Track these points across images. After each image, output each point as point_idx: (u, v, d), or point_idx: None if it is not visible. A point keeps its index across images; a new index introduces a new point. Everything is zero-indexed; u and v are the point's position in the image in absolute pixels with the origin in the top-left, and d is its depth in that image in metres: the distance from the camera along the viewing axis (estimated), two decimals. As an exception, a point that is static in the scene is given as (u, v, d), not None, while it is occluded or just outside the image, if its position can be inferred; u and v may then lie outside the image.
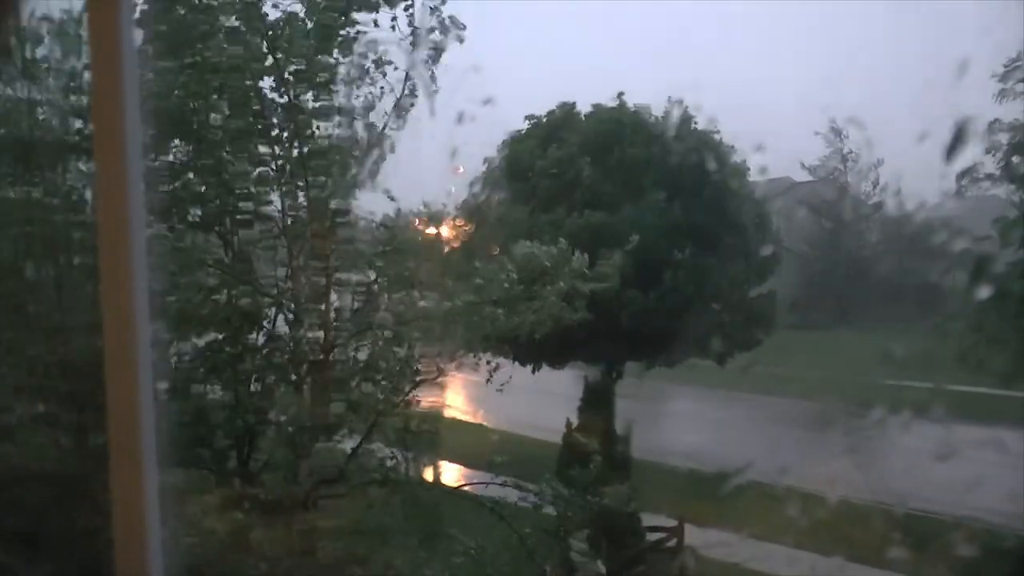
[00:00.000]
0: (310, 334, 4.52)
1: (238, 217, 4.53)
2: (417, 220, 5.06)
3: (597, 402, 7.96)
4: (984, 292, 3.56)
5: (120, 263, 1.50)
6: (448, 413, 6.62)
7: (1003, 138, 5.14)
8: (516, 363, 8.58)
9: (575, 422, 7.36)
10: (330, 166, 4.48)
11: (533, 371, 8.52)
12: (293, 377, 4.59)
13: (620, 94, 8.49)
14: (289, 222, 4.56)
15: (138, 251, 1.52)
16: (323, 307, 4.57)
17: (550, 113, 9.01)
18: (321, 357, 4.52)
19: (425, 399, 4.85)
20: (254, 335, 4.59)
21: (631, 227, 6.99)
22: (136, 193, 1.53)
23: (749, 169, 8.01)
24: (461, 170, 5.03)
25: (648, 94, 8.27)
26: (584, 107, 9.00)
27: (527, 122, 9.03)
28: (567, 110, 8.95)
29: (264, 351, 4.59)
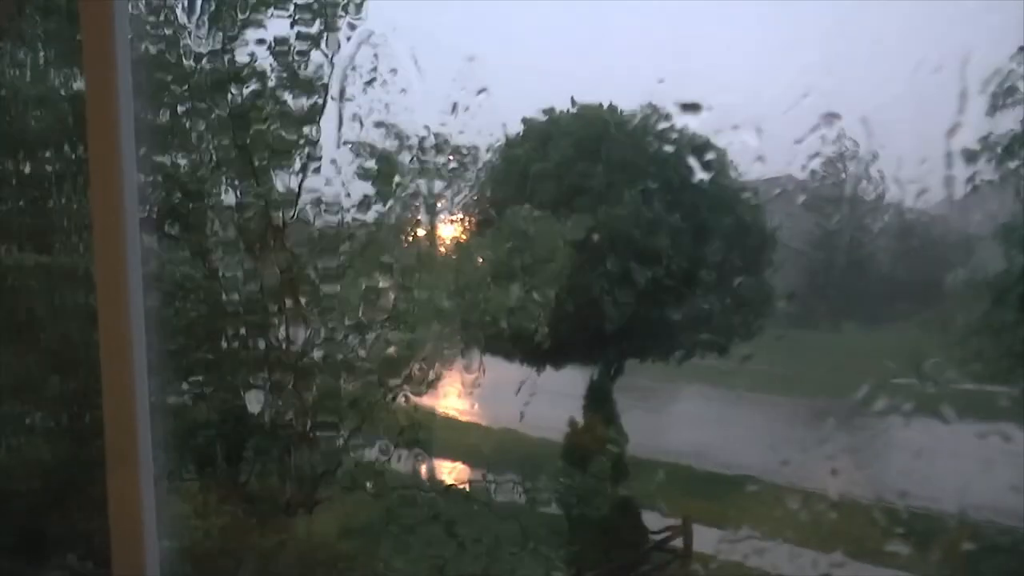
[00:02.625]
0: (283, 334, 4.36)
1: (190, 210, 4.34)
2: (416, 217, 4.90)
3: (597, 400, 7.99)
4: (982, 290, 3.55)
5: (115, 265, 1.51)
6: (445, 412, 6.60)
7: (1000, 142, 5.11)
8: (517, 363, 8.60)
9: (577, 421, 7.38)
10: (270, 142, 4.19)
11: (538, 371, 8.52)
12: (270, 378, 4.45)
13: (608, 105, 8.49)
14: (239, 216, 4.33)
15: (133, 253, 1.52)
16: (295, 305, 4.39)
17: (544, 114, 9.02)
18: (299, 357, 4.39)
19: (418, 397, 4.79)
20: (226, 339, 4.42)
21: (623, 225, 6.99)
22: (131, 192, 1.53)
23: (733, 171, 8.02)
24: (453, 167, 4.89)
25: (640, 90, 8.25)
26: (578, 104, 8.99)
27: (523, 124, 9.02)
28: (559, 112, 8.96)
29: (237, 354, 4.44)
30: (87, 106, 1.53)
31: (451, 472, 6.38)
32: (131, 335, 1.52)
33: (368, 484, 4.67)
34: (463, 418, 9.07)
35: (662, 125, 8.12)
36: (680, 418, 10.31)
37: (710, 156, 8.14)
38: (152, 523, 1.61)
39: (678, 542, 7.42)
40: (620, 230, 7.38)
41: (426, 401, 4.94)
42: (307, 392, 4.41)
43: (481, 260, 4.51)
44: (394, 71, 4.07)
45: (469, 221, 5.15)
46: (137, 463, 1.58)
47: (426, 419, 4.92)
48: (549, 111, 8.92)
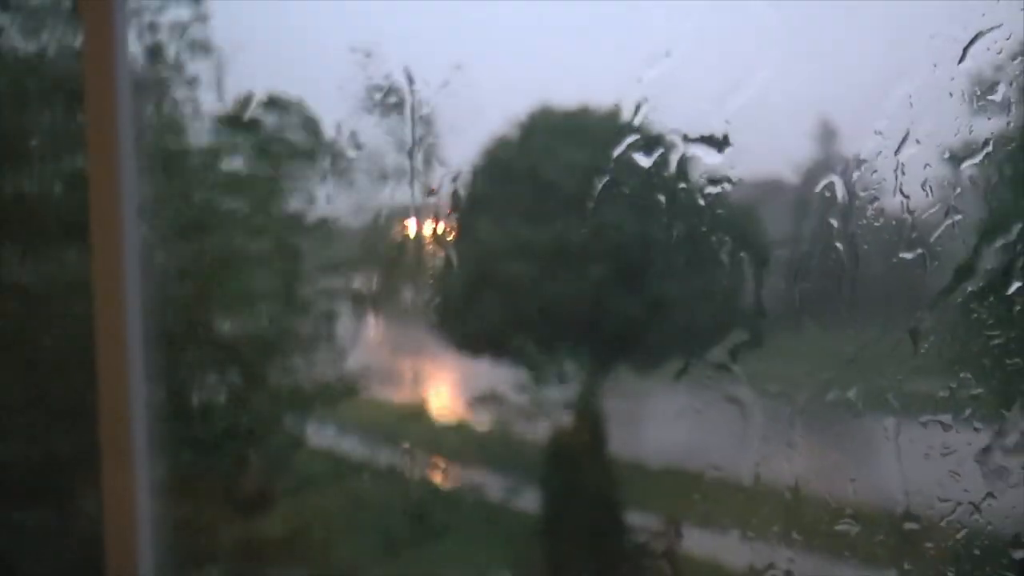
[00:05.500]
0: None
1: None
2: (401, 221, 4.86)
3: (582, 402, 8.05)
4: (952, 290, 3.64)
5: (112, 257, 1.53)
6: (431, 410, 6.59)
7: (951, 134, 5.23)
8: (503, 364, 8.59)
9: (562, 422, 7.40)
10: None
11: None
12: (221, 370, 4.31)
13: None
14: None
15: (131, 244, 1.55)
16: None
17: (527, 118, 9.05)
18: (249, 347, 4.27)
19: (401, 394, 4.75)
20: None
21: (609, 231, 7.03)
22: (130, 188, 1.55)
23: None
24: (435, 188, 4.87)
25: (629, 92, 8.29)
26: (566, 106, 9.04)
27: (509, 126, 9.05)
28: (542, 115, 8.98)
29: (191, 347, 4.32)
30: (86, 104, 1.54)
31: (430, 470, 6.38)
32: (127, 324, 1.53)
33: (328, 477, 4.59)
34: (446, 416, 9.08)
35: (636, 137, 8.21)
36: (661, 419, 10.40)
37: (687, 165, 8.24)
38: (147, 518, 1.64)
39: (663, 543, 7.48)
40: (601, 234, 7.46)
41: (408, 397, 4.94)
42: (260, 383, 4.33)
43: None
44: (387, 78, 4.07)
45: (449, 224, 5.16)
46: (132, 456, 1.60)
47: (402, 415, 4.90)
48: (533, 114, 8.97)
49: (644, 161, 1.63)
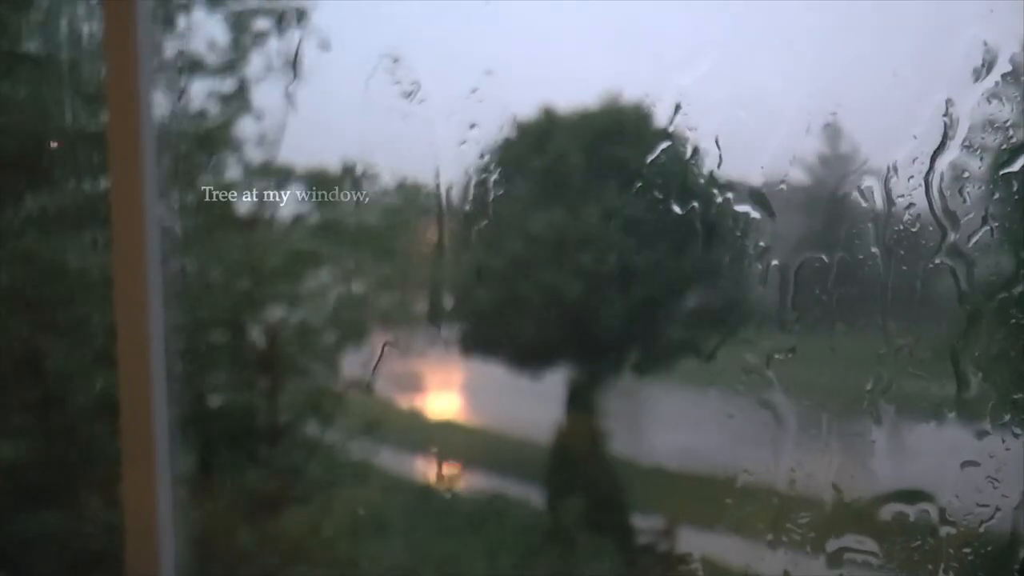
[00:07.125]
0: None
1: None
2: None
3: (584, 404, 8.01)
4: (971, 294, 3.62)
5: (133, 256, 1.52)
6: (434, 412, 6.58)
7: (989, 140, 5.23)
8: (505, 364, 8.56)
9: (565, 424, 7.36)
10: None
11: (524, 373, 8.52)
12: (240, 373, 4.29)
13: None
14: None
15: (151, 243, 1.54)
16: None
17: (540, 115, 9.06)
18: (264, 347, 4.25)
19: (403, 396, 4.71)
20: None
21: (604, 223, 7.01)
22: (151, 186, 1.54)
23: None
24: (461, 192, 4.82)
25: (633, 89, 8.25)
26: (577, 103, 9.04)
27: (537, 128, 9.03)
28: (555, 111, 9.00)
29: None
30: (108, 87, 1.52)
31: (435, 473, 6.33)
32: (149, 324, 1.53)
33: (347, 481, 4.58)
34: (449, 418, 9.04)
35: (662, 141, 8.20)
36: (666, 420, 10.35)
37: (700, 162, 8.23)
38: (168, 520, 1.63)
39: (666, 544, 7.44)
40: (634, 239, 7.40)
41: (409, 399, 4.92)
42: (278, 386, 4.32)
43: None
44: (415, 84, 4.03)
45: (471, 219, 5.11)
46: (154, 458, 1.60)
47: (405, 416, 4.87)
48: (547, 111, 8.96)
49: (677, 167, 1.63)
